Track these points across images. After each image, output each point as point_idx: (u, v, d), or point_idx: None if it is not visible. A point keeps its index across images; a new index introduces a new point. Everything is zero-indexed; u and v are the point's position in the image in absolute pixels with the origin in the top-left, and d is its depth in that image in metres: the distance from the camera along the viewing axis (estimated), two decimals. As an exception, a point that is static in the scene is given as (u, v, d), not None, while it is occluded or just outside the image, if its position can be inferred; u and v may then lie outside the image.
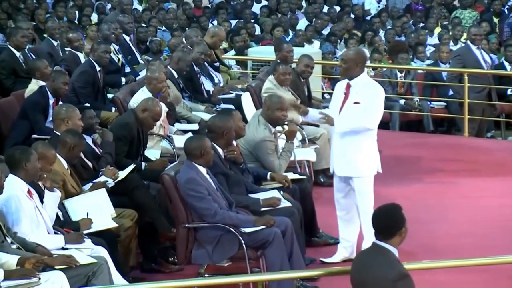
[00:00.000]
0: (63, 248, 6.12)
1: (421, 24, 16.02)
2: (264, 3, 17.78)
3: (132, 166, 7.30)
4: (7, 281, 5.53)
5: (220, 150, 6.91)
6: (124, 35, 11.83)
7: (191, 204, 6.47)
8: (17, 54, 10.09)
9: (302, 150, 8.86)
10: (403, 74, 12.49)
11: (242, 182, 7.04)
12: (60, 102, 8.32)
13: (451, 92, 12.26)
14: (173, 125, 9.07)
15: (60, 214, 6.55)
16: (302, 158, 8.83)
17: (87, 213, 6.56)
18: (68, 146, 6.85)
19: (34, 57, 10.31)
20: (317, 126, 9.12)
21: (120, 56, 11.16)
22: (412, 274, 4.92)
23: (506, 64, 12.87)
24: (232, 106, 9.63)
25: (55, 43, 11.54)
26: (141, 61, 11.90)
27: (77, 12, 15.88)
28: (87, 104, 8.68)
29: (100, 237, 6.37)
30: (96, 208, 6.66)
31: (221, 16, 16.23)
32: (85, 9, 15.89)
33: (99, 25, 12.90)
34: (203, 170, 6.53)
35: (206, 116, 9.16)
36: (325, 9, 17.31)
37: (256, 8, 17.56)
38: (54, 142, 6.86)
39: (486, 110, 11.89)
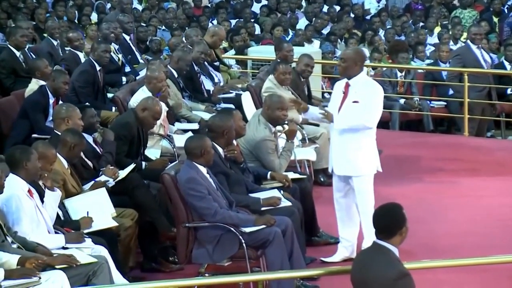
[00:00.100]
0: (64, 248, 6.12)
1: (421, 24, 16.02)
2: (264, 2, 17.79)
3: (132, 166, 7.30)
4: (8, 280, 5.53)
5: (220, 150, 6.91)
6: (124, 34, 11.83)
7: (191, 204, 6.47)
8: (17, 53, 10.10)
9: (302, 149, 8.86)
10: (403, 73, 12.49)
11: (242, 182, 7.04)
12: (60, 102, 8.32)
13: (451, 92, 12.26)
14: (173, 125, 9.08)
15: (60, 213, 6.55)
16: (302, 158, 8.84)
17: (87, 212, 6.57)
18: (69, 145, 6.85)
19: (34, 56, 10.31)
20: (317, 125, 9.13)
21: (120, 55, 11.16)
22: (412, 273, 4.92)
23: (506, 63, 12.87)
24: (232, 106, 9.63)
25: (55, 43, 11.54)
26: (141, 61, 11.90)
27: (76, 11, 15.88)
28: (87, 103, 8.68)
29: (101, 237, 6.37)
30: (97, 207, 6.66)
31: (221, 16, 16.24)
32: (84, 8, 15.89)
33: (99, 25, 12.91)
34: (203, 169, 6.54)
35: (206, 116, 9.17)
36: (325, 8, 17.32)
37: (256, 7, 17.57)
38: (55, 142, 6.86)
39: (486, 110, 11.90)
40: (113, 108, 9.27)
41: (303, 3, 18.00)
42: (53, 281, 5.61)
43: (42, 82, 8.75)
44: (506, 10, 16.47)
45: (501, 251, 6.86)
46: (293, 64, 10.13)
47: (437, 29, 15.42)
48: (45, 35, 12.37)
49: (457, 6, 16.73)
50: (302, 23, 16.04)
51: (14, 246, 5.83)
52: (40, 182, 6.33)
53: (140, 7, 17.21)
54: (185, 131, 9.06)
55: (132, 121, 7.74)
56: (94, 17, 15.95)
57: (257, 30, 15.79)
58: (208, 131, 7.02)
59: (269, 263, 6.44)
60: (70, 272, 5.72)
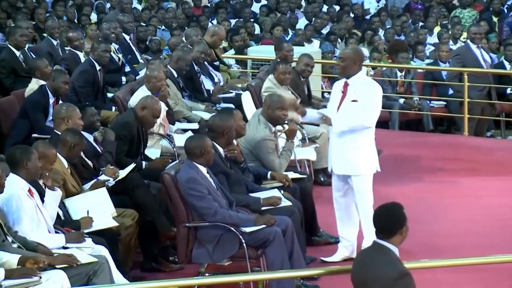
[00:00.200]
0: (64, 247, 6.12)
1: (421, 24, 16.03)
2: (264, 2, 17.79)
3: (132, 165, 7.30)
4: (8, 280, 5.54)
5: (220, 149, 6.91)
6: (124, 34, 11.84)
7: (191, 203, 6.47)
8: (17, 53, 10.10)
9: (302, 149, 8.87)
10: (402, 73, 12.50)
11: (242, 181, 7.04)
12: (60, 101, 8.32)
13: (450, 91, 12.27)
14: (173, 124, 9.08)
15: (60, 213, 6.55)
16: (302, 157, 8.84)
17: (88, 212, 6.57)
18: (69, 145, 6.85)
19: (34, 56, 10.31)
20: (317, 125, 9.13)
21: (120, 55, 11.17)
22: (412, 273, 4.92)
23: (506, 63, 12.88)
24: (232, 105, 9.64)
25: (55, 42, 11.55)
26: (141, 60, 11.91)
27: (76, 11, 15.88)
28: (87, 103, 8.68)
29: (101, 236, 6.37)
30: (97, 207, 6.66)
31: (221, 15, 16.24)
32: (84, 8, 15.89)
33: (99, 25, 12.91)
34: (203, 169, 6.54)
35: (206, 115, 9.18)
36: (325, 8, 17.32)
37: (255, 7, 17.57)
38: (55, 141, 6.87)
39: (486, 109, 11.91)
40: (113, 108, 9.28)
41: (303, 3, 18.01)
42: (54, 280, 5.62)
43: (42, 82, 8.75)
44: (505, 10, 16.48)
45: (501, 251, 6.87)
46: (293, 64, 10.14)
47: (437, 29, 15.43)
48: (45, 35, 12.37)
49: (456, 6, 16.74)
50: (302, 23, 16.05)
51: (15, 245, 5.83)
52: (41, 182, 6.34)
53: (139, 7, 17.21)
54: (185, 130, 9.06)
55: (132, 121, 7.75)
56: (93, 17, 15.96)
57: (257, 30, 15.79)
58: (208, 130, 7.02)
59: (269, 262, 6.44)
60: (71, 271, 5.73)
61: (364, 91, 7.11)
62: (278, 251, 6.37)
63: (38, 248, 5.89)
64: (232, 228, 6.40)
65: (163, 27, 15.48)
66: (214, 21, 15.97)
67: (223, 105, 10.04)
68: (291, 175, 7.56)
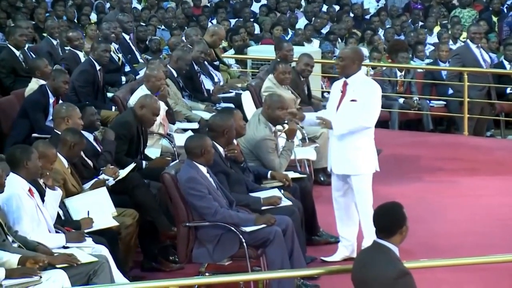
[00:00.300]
0: (64, 247, 6.12)
1: (420, 23, 16.03)
2: (264, 2, 17.79)
3: (132, 165, 7.30)
4: (9, 279, 5.54)
5: (220, 149, 6.91)
6: (123, 34, 11.84)
7: (191, 203, 6.47)
8: (17, 53, 10.11)
9: (302, 149, 8.87)
10: (402, 73, 12.50)
11: (242, 181, 7.04)
12: (60, 101, 8.33)
13: (450, 91, 12.27)
14: (173, 124, 9.08)
15: (61, 213, 6.55)
16: (302, 157, 8.85)
17: (88, 212, 6.57)
18: (69, 144, 6.85)
19: (34, 56, 10.31)
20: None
21: (120, 55, 11.18)
22: (413, 273, 4.92)
23: (506, 63, 12.88)
24: (232, 105, 9.64)
25: (55, 42, 11.56)
26: (140, 60, 11.91)
27: (76, 11, 15.88)
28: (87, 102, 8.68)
29: (101, 236, 6.37)
30: (97, 207, 6.67)
31: (220, 15, 16.24)
32: (84, 8, 15.89)
33: (98, 24, 12.91)
34: (203, 169, 6.54)
35: (206, 115, 9.19)
36: (324, 8, 17.33)
37: (255, 7, 17.57)
38: (55, 141, 6.87)
39: (485, 109, 11.92)
40: (113, 108, 9.28)
41: (303, 3, 18.01)
42: (54, 280, 5.62)
43: (42, 82, 8.76)
44: (505, 10, 16.49)
45: (501, 250, 6.88)
46: (293, 64, 10.14)
47: (437, 29, 15.44)
48: (45, 34, 12.37)
49: (456, 6, 16.75)
50: (302, 22, 16.05)
51: (15, 245, 5.84)
52: (41, 181, 6.34)
53: (139, 7, 17.21)
54: (185, 130, 9.06)
55: (132, 120, 7.75)
56: (93, 16, 15.96)
57: (257, 30, 15.80)
58: (208, 130, 7.02)
59: (269, 262, 6.44)
60: (71, 271, 5.73)
61: (363, 90, 7.12)
62: (278, 251, 6.37)
63: (38, 247, 5.89)
64: (232, 228, 6.41)
65: (163, 27, 15.48)
66: (214, 21, 15.97)
67: (223, 104, 10.05)
68: (291, 174, 7.57)
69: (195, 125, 9.21)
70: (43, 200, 6.24)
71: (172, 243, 7.08)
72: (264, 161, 7.54)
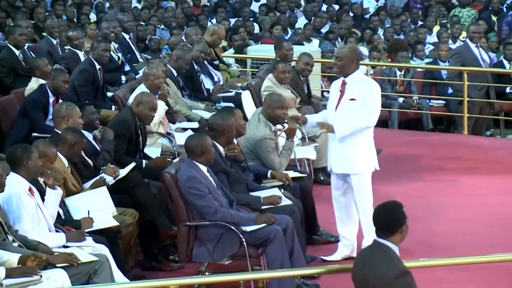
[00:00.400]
0: (64, 246, 6.12)
1: (420, 23, 16.03)
2: (263, 1, 17.78)
3: (133, 164, 7.31)
4: (9, 279, 5.54)
5: (221, 148, 6.92)
6: (123, 33, 11.84)
7: (192, 202, 6.48)
8: (17, 52, 10.11)
9: (302, 148, 8.87)
10: (402, 72, 12.50)
11: (242, 180, 7.04)
12: (60, 101, 8.33)
13: (450, 90, 12.28)
14: (174, 123, 9.08)
15: (61, 212, 6.56)
16: (302, 156, 8.85)
17: (88, 212, 6.57)
18: (69, 143, 6.86)
19: (33, 55, 10.32)
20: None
21: (119, 54, 11.18)
22: (412, 272, 4.93)
23: (505, 62, 12.88)
24: (232, 104, 9.64)
25: (55, 42, 11.56)
26: (140, 59, 11.91)
27: (75, 10, 15.88)
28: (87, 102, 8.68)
29: (101, 235, 6.38)
30: (97, 206, 6.67)
31: (220, 15, 16.24)
32: (83, 7, 15.89)
33: (98, 24, 12.91)
34: (203, 168, 6.54)
35: (206, 114, 9.19)
36: (324, 7, 17.33)
37: (255, 6, 17.57)
38: (55, 140, 6.87)
39: (484, 109, 11.92)
40: (113, 107, 9.28)
41: (302, 2, 18.01)
42: (54, 279, 5.62)
43: (42, 81, 8.76)
44: (505, 9, 16.49)
45: (500, 249, 6.89)
46: (293, 63, 10.15)
47: (436, 28, 15.44)
48: (44, 34, 12.37)
49: (456, 5, 16.76)
50: (301, 22, 16.05)
51: (15, 244, 5.84)
52: (41, 181, 6.34)
53: (139, 6, 17.20)
54: (185, 129, 9.06)
55: (130, 119, 7.75)
56: (93, 16, 15.96)
57: (256, 29, 15.80)
58: (208, 129, 7.02)
59: (269, 261, 6.44)
60: (71, 270, 5.73)
61: (362, 89, 7.13)
62: (278, 250, 6.37)
63: (38, 247, 5.89)
64: (233, 227, 6.41)
65: (163, 26, 15.48)
66: (214, 20, 15.97)
67: (223, 104, 10.05)
68: (291, 174, 7.57)
69: (195, 125, 9.21)
70: (43, 200, 6.24)
71: (172, 242, 7.08)
72: (264, 160, 7.54)
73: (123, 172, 7.16)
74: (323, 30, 15.47)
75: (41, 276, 5.58)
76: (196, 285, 6.50)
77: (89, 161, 7.26)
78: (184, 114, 9.40)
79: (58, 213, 6.48)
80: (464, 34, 13.64)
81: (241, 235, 6.39)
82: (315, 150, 9.06)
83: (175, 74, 9.77)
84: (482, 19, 15.11)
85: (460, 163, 10.30)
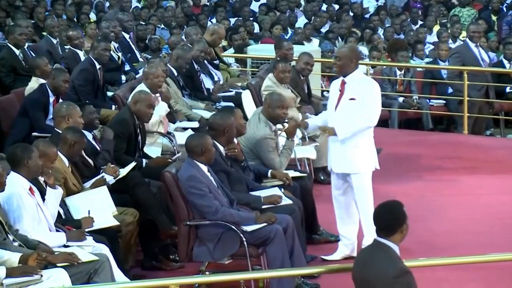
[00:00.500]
0: (65, 246, 6.13)
1: (420, 22, 16.03)
2: (263, 1, 17.78)
3: (133, 164, 7.31)
4: (9, 278, 5.54)
5: (221, 148, 6.92)
6: (123, 33, 11.84)
7: (192, 202, 6.48)
8: (17, 52, 10.11)
9: (302, 147, 8.88)
10: (402, 72, 12.51)
11: (243, 180, 7.05)
12: (60, 100, 8.33)
13: (450, 90, 12.28)
14: (174, 123, 9.09)
15: (61, 211, 6.56)
16: (302, 156, 8.85)
17: (89, 212, 6.57)
18: (69, 143, 6.86)
19: (33, 55, 10.32)
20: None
21: (119, 54, 11.18)
22: (413, 271, 4.93)
23: (505, 61, 12.89)
24: (232, 104, 9.65)
25: (55, 41, 11.56)
26: (140, 59, 11.91)
27: (75, 10, 15.87)
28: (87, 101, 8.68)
29: (102, 235, 6.38)
30: (98, 205, 6.67)
31: (220, 14, 16.24)
32: (83, 7, 15.88)
33: (98, 23, 12.91)
34: (204, 167, 6.55)
35: (206, 114, 9.19)
36: (324, 7, 17.33)
37: (254, 6, 17.56)
38: (55, 140, 6.87)
39: (483, 108, 11.93)
40: (113, 107, 9.28)
41: (302, 2, 18.00)
42: (55, 279, 5.62)
43: (42, 81, 8.76)
44: (504, 9, 16.50)
45: (500, 249, 6.89)
46: (293, 63, 10.15)
47: (436, 28, 15.44)
48: (44, 33, 12.37)
49: (456, 5, 16.76)
50: (301, 21, 16.05)
51: (16, 244, 5.84)
52: (41, 180, 6.35)
53: (139, 5, 17.19)
54: (185, 129, 9.07)
55: (129, 117, 7.76)
56: (92, 15, 15.95)
57: (256, 29, 15.80)
58: (209, 129, 7.03)
59: (270, 261, 6.45)
60: (72, 270, 5.73)
61: (361, 89, 7.13)
62: (278, 249, 6.37)
63: (39, 246, 5.89)
64: (233, 227, 6.41)
65: (162, 26, 15.48)
66: (214, 20, 15.97)
67: (223, 103, 10.06)
68: (291, 173, 7.57)
69: (195, 124, 9.21)
70: (43, 199, 6.25)
71: (173, 241, 7.08)
72: (264, 160, 7.54)
73: (123, 172, 7.16)
74: (323, 30, 15.47)
75: (41, 276, 5.58)
76: (197, 285, 6.51)
77: (90, 160, 7.26)
78: (184, 113, 9.40)
79: (59, 212, 6.48)
80: (464, 33, 13.64)
81: (241, 235, 6.39)
82: (315, 149, 9.06)
83: (175, 74, 9.77)
84: (482, 19, 15.11)
85: (460, 162, 10.30)
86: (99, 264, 5.85)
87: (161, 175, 6.64)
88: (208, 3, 17.96)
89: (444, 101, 12.40)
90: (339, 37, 14.75)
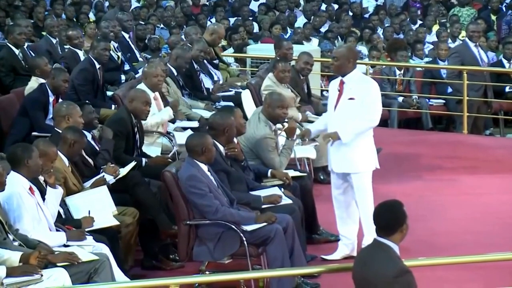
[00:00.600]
0: (65, 245, 6.13)
1: (419, 22, 16.04)
2: (262, 0, 17.78)
3: (133, 163, 7.31)
4: (9, 278, 5.55)
5: (221, 147, 6.92)
6: (123, 32, 11.84)
7: (192, 201, 6.48)
8: (16, 51, 10.11)
9: (302, 147, 8.87)
10: (401, 71, 12.51)
11: (243, 179, 7.05)
12: (60, 100, 8.33)
13: (449, 90, 12.28)
14: (173, 122, 9.09)
15: (61, 211, 6.56)
16: (302, 156, 8.85)
17: (89, 212, 6.57)
18: (69, 142, 6.86)
19: (33, 54, 10.32)
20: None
21: (119, 53, 11.18)
22: (413, 271, 4.93)
23: (505, 61, 12.89)
24: (231, 104, 9.65)
25: (54, 41, 11.55)
26: (140, 59, 11.91)
27: (75, 9, 15.86)
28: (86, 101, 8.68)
29: (102, 234, 6.38)
30: (98, 205, 6.67)
31: (219, 14, 16.24)
32: (83, 6, 15.88)
33: (98, 23, 12.90)
34: (204, 167, 6.55)
35: (206, 114, 9.19)
36: (323, 6, 17.33)
37: (254, 5, 17.56)
38: (55, 140, 6.87)
39: (481, 108, 11.93)
40: (113, 106, 9.28)
41: (301, 1, 18.01)
42: (55, 278, 5.63)
43: (42, 80, 8.76)
44: (504, 8, 16.50)
45: (500, 248, 6.89)
46: (293, 62, 10.15)
47: (436, 27, 15.44)
48: (44, 33, 12.37)
49: (455, 4, 16.77)
50: (301, 21, 16.05)
51: (16, 243, 5.85)
52: (42, 180, 6.35)
53: (138, 5, 17.18)
54: (185, 129, 9.07)
55: (126, 116, 7.76)
56: (92, 15, 15.95)
57: (256, 28, 15.80)
58: (208, 129, 7.03)
59: (270, 260, 6.45)
60: (72, 269, 5.74)
61: (360, 88, 7.13)
62: (279, 249, 6.38)
63: (39, 246, 5.89)
64: (233, 226, 6.41)
65: (162, 26, 15.48)
66: (213, 20, 15.96)
67: (223, 103, 10.06)
68: (291, 173, 7.57)
69: (195, 124, 9.22)
70: (43, 199, 6.25)
71: (173, 241, 7.09)
72: (264, 159, 7.55)
73: (123, 171, 7.16)
74: (323, 29, 15.47)
75: (41, 275, 5.59)
76: (197, 284, 6.52)
77: (90, 160, 7.26)
78: (184, 113, 9.40)
79: (59, 212, 6.49)
80: (463, 33, 13.65)
81: (241, 234, 6.39)
82: (315, 149, 9.06)
83: (175, 73, 9.78)
84: (481, 18, 15.12)
85: (459, 162, 10.31)
86: (99, 264, 5.86)
87: (161, 175, 6.64)
88: (207, 3, 17.96)
89: (444, 101, 12.40)
90: (338, 37, 14.75)
